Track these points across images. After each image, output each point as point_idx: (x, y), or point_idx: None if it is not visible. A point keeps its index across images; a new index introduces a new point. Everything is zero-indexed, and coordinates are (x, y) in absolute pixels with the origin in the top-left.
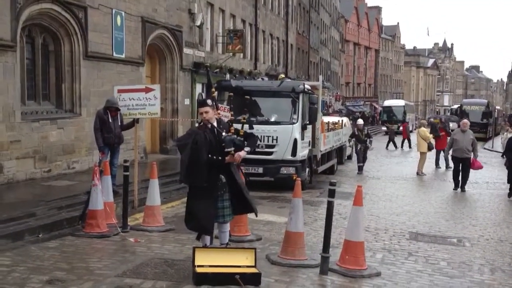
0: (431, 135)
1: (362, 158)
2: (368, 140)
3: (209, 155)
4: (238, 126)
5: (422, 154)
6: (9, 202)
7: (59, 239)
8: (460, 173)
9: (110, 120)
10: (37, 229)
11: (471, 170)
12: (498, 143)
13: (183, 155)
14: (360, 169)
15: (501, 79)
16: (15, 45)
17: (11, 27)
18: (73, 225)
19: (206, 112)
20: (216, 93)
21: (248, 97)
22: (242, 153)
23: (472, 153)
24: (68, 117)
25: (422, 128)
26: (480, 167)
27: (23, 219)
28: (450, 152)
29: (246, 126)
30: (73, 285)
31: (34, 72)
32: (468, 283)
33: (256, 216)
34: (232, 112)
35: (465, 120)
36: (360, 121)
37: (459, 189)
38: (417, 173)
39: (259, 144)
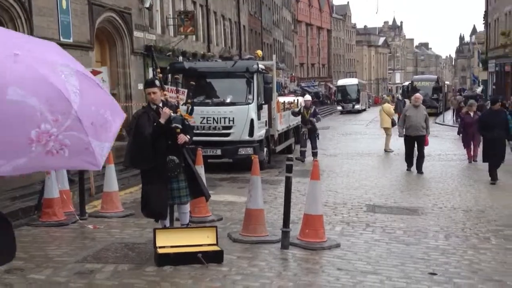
0: (394, 112)
1: (306, 142)
2: (313, 120)
3: (154, 124)
4: (183, 109)
5: (387, 130)
6: None
7: (15, 229)
8: (416, 153)
9: None
10: None
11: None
12: (449, 117)
13: (129, 139)
14: (302, 154)
15: (450, 55)
16: None
17: None
18: (29, 215)
19: (154, 93)
20: (161, 75)
21: (193, 82)
22: (186, 138)
23: (425, 130)
24: None
25: (387, 104)
26: (427, 144)
27: None
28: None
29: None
30: (32, 273)
31: None
32: (424, 249)
33: (207, 201)
34: (178, 94)
35: (418, 94)
36: (308, 97)
37: (413, 170)
38: (385, 150)
39: (216, 126)
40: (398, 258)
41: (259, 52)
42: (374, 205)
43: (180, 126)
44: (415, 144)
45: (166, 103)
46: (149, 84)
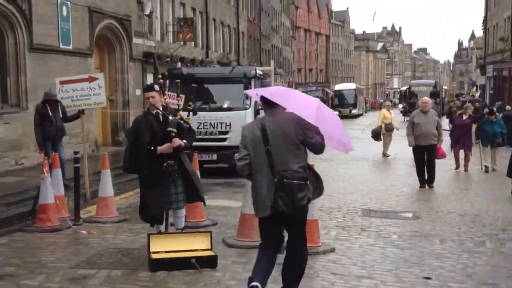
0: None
1: None
2: None
3: (148, 147)
4: (184, 114)
5: (384, 135)
6: None
7: (8, 235)
8: (425, 165)
9: (50, 113)
10: None
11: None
12: (447, 121)
13: (127, 144)
14: None
15: (448, 60)
16: None
17: None
18: (23, 220)
19: (153, 97)
20: (162, 80)
21: (195, 85)
22: (181, 142)
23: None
24: (14, 111)
25: (383, 110)
26: (444, 156)
27: None
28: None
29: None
30: (25, 279)
31: None
32: (419, 254)
33: (204, 205)
34: (179, 100)
35: (425, 98)
36: None
37: (426, 186)
38: (383, 155)
39: (212, 131)
40: (393, 263)
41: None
42: (370, 209)
43: (174, 130)
44: (425, 155)
45: (166, 108)
46: (147, 88)
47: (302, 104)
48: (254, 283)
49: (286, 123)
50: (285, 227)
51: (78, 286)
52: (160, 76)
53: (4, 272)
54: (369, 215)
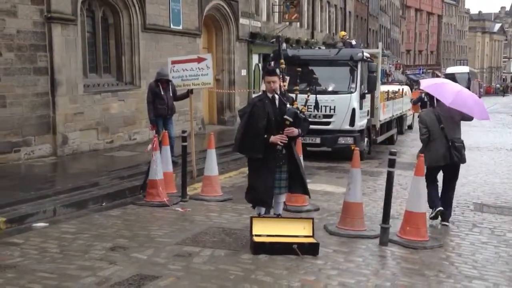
0: None
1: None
2: None
3: (265, 135)
4: (300, 104)
5: None
6: (74, 172)
7: (121, 207)
8: None
9: (162, 92)
10: (100, 198)
11: None
12: None
13: (240, 124)
14: None
15: None
16: (76, 18)
17: (71, 1)
18: (135, 194)
19: (274, 82)
20: (284, 65)
21: (300, 69)
22: (295, 132)
23: None
24: (128, 89)
25: None
26: None
27: (86, 188)
28: None
29: (312, 98)
30: (134, 252)
31: (95, 45)
32: None
33: (310, 197)
34: (284, 82)
35: None
36: None
37: None
38: None
39: (316, 114)
40: (507, 264)
41: (342, 32)
42: (483, 204)
43: (290, 119)
44: None
45: (284, 94)
46: (269, 72)
47: (469, 110)
48: (439, 208)
49: (451, 112)
50: (446, 173)
51: (184, 263)
52: (282, 61)
53: (116, 244)
54: (482, 210)
